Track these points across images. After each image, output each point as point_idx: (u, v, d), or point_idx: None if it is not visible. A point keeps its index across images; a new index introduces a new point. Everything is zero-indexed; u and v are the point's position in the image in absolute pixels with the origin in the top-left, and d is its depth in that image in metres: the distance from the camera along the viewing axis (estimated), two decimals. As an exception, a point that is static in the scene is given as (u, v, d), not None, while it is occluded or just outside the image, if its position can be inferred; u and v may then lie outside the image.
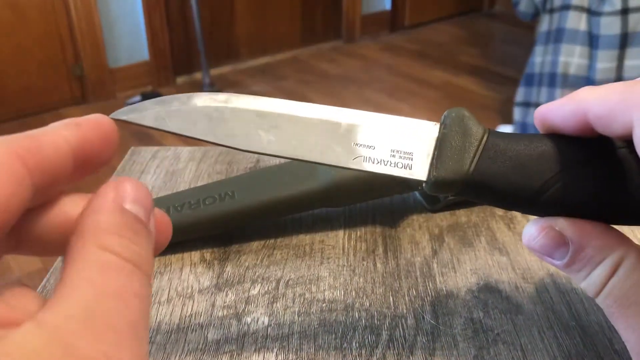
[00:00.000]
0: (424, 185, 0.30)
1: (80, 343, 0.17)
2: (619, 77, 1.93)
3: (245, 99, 0.30)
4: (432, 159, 0.30)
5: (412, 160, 0.30)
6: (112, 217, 0.21)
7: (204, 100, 0.29)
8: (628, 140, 0.28)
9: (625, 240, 0.29)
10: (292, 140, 0.30)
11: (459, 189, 0.30)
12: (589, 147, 0.30)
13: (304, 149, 0.30)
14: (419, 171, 0.30)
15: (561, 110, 0.30)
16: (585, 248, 0.29)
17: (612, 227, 0.30)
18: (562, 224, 0.30)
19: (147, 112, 0.29)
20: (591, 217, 0.30)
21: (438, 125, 0.31)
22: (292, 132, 0.30)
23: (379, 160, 0.30)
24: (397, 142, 0.30)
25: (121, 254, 0.20)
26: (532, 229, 0.31)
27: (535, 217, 0.31)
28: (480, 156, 0.29)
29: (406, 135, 0.30)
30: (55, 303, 0.18)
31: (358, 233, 0.47)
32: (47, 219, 0.23)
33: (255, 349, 0.37)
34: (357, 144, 0.30)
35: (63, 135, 0.23)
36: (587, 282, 0.30)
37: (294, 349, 0.37)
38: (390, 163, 0.30)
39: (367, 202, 0.50)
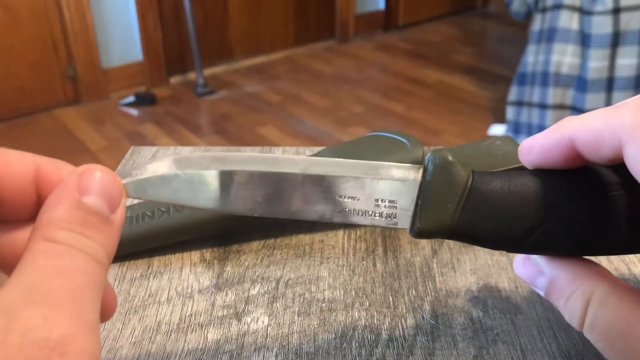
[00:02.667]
0: (408, 232, 0.30)
1: (19, 308, 0.19)
2: (610, 76, 1.94)
3: (233, 159, 0.29)
4: (416, 208, 0.30)
5: (396, 209, 0.30)
6: (64, 213, 0.22)
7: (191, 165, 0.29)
8: (616, 165, 0.28)
9: (595, 272, 0.30)
10: (277, 201, 0.29)
11: (443, 237, 0.30)
12: (573, 185, 0.29)
13: (290, 209, 0.30)
14: (403, 221, 0.30)
15: (547, 140, 0.30)
16: (556, 280, 0.31)
17: (586, 259, 0.31)
18: (535, 256, 0.32)
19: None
20: (577, 253, 0.31)
21: (421, 169, 0.30)
22: (276, 192, 0.29)
23: (364, 212, 0.30)
24: (380, 191, 0.30)
25: (67, 243, 0.22)
26: (517, 257, 0.34)
27: None
28: (462, 207, 0.29)
29: (389, 182, 0.30)
30: (4, 287, 0.20)
31: (358, 233, 0.47)
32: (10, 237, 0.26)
33: (255, 349, 0.37)
34: (340, 197, 0.30)
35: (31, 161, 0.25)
36: (568, 314, 0.31)
37: (294, 349, 0.37)
38: (375, 213, 0.30)
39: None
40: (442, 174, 0.30)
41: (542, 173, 0.30)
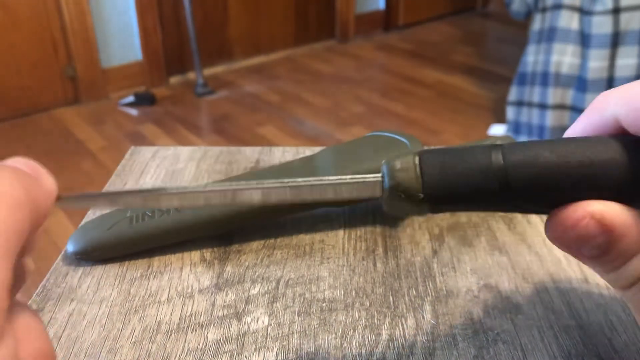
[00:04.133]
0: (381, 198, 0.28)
1: None
2: (610, 76, 1.95)
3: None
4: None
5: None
6: None
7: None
8: None
9: None
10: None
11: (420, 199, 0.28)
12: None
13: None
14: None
15: (589, 126, 0.28)
16: (623, 237, 0.26)
17: None
18: (601, 209, 0.26)
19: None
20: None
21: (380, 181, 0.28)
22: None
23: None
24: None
25: None
26: (564, 220, 0.27)
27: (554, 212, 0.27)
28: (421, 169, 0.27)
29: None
30: None
31: (358, 233, 0.47)
32: None
33: (255, 349, 0.37)
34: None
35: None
36: (618, 274, 0.27)
37: (294, 349, 0.37)
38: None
39: (367, 202, 0.50)
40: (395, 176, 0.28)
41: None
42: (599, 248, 0.26)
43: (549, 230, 0.27)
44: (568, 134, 0.29)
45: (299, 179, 0.28)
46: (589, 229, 0.26)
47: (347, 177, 0.28)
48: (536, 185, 0.26)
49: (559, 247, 0.28)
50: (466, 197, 0.27)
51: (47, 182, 0.24)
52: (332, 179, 0.28)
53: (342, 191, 0.28)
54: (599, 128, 0.28)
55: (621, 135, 0.27)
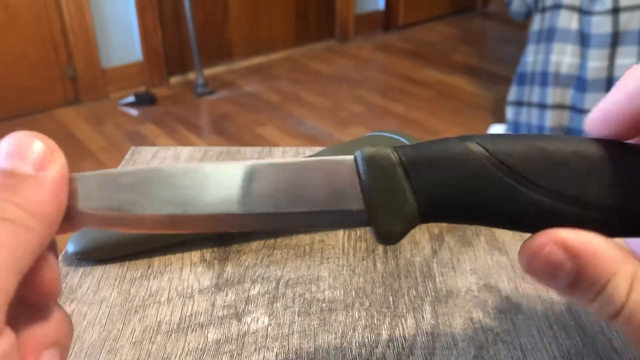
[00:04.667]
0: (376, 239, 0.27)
1: None
2: (610, 76, 1.94)
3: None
4: (370, 212, 0.27)
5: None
6: None
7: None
8: None
9: (629, 253, 0.26)
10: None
11: (415, 223, 0.27)
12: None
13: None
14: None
15: (623, 94, 0.27)
16: (592, 263, 0.25)
17: (612, 241, 0.26)
18: (564, 236, 0.25)
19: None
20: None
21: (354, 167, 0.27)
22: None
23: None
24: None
25: None
26: (528, 247, 0.26)
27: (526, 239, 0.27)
28: (412, 184, 0.27)
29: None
30: None
31: (358, 233, 0.47)
32: None
33: (255, 349, 0.37)
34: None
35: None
36: (599, 303, 0.25)
37: (294, 349, 0.37)
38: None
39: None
40: (373, 167, 0.27)
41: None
42: (570, 276, 0.25)
43: (520, 261, 0.27)
44: (604, 102, 0.28)
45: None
46: (553, 256, 0.25)
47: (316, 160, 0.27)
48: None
49: (536, 280, 0.27)
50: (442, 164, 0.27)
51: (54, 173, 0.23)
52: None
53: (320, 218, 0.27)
54: (632, 95, 0.27)
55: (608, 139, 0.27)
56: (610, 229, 0.26)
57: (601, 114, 0.28)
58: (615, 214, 0.26)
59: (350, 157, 0.27)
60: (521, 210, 0.26)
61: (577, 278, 0.25)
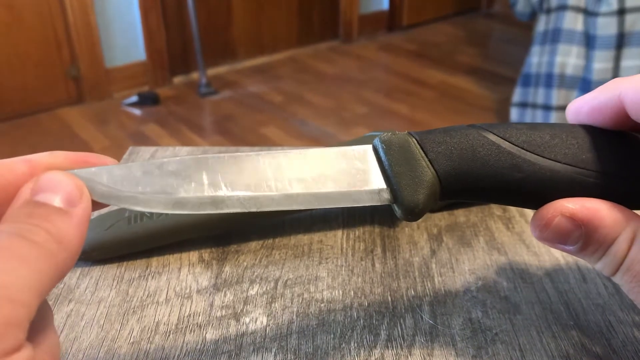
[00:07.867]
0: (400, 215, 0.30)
1: None
2: (615, 78, 1.94)
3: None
4: (392, 190, 0.30)
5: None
6: (16, 210, 0.24)
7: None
8: None
9: (633, 213, 0.29)
10: None
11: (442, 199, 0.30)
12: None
13: None
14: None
15: (596, 100, 0.30)
16: (598, 228, 0.28)
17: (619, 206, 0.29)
18: (570, 207, 0.29)
19: None
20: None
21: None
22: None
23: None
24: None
25: (6, 231, 0.23)
26: (540, 220, 0.30)
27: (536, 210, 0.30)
28: (429, 159, 0.30)
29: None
30: None
31: (356, 233, 0.47)
32: None
33: (253, 349, 0.37)
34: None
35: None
36: (603, 262, 0.29)
37: (293, 349, 0.37)
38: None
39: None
40: (394, 151, 0.30)
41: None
42: (579, 241, 0.29)
43: (532, 230, 0.30)
44: (576, 102, 0.32)
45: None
46: (562, 226, 0.29)
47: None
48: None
49: (547, 245, 0.31)
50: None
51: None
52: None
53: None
54: (604, 104, 0.30)
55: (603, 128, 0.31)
56: (611, 193, 0.30)
57: (580, 104, 0.31)
58: (607, 178, 0.30)
59: (367, 145, 0.31)
60: (525, 177, 0.29)
61: (585, 243, 0.29)
